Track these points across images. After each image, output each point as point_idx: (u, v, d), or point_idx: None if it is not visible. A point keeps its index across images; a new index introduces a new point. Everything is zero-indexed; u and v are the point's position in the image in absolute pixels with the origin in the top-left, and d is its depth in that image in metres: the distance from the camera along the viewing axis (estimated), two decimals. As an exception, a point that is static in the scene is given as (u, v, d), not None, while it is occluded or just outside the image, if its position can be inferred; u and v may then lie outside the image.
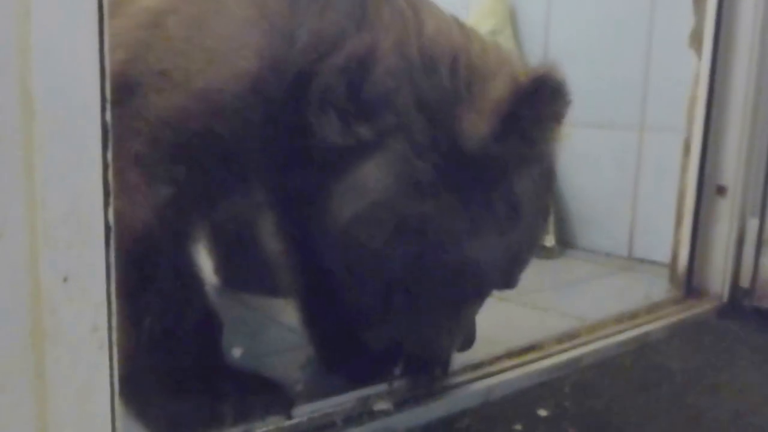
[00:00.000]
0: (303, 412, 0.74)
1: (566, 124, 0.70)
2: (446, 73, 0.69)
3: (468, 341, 0.85)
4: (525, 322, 1.15)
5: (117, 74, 0.69)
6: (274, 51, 0.69)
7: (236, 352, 0.95)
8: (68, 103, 0.52)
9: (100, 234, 0.55)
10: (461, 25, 0.75)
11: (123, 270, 0.70)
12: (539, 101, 0.66)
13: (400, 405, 0.79)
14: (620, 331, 1.07)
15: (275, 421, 0.71)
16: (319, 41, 0.69)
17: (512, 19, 1.79)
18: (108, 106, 0.57)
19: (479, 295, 0.80)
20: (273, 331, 1.09)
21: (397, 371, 0.84)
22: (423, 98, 0.69)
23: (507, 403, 0.84)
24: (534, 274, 1.45)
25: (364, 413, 0.77)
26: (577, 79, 1.62)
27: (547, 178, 0.75)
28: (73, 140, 0.53)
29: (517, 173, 0.70)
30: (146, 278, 0.71)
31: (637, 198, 1.56)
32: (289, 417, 0.73)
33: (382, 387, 0.81)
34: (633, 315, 1.13)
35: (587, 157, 1.66)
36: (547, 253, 1.61)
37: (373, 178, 0.68)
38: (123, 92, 0.70)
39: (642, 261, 1.54)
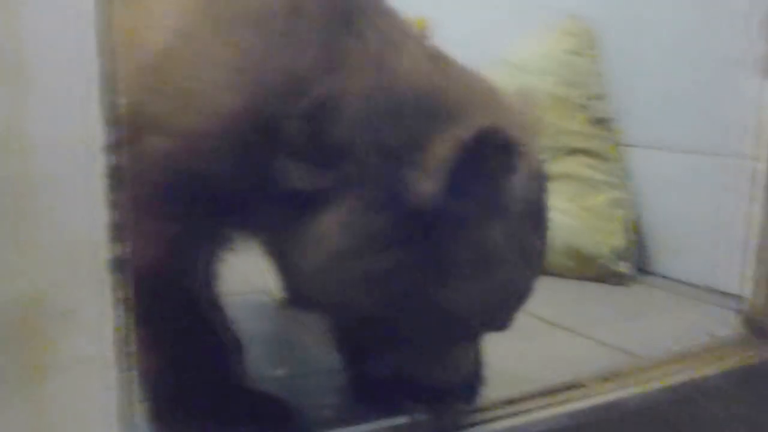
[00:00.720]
0: (314, 442, 0.76)
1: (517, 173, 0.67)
2: (410, 118, 0.67)
3: (469, 377, 0.85)
4: (572, 356, 1.11)
5: (125, 118, 0.75)
6: (248, 93, 0.70)
7: (278, 372, 0.99)
8: (69, 148, 0.57)
9: (101, 271, 0.59)
10: (443, 62, 0.72)
11: (141, 300, 0.75)
12: (483, 157, 0.63)
13: (418, 440, 0.79)
14: (672, 373, 1.00)
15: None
16: (288, 84, 0.69)
17: (596, 38, 1.73)
18: (116, 149, 0.61)
19: (466, 336, 0.79)
20: (320, 352, 1.11)
21: (416, 405, 0.84)
22: (383, 146, 0.67)
23: (530, 445, 0.82)
24: (600, 302, 1.42)
25: (377, 447, 0.77)
26: (657, 103, 1.56)
27: (529, 218, 0.72)
28: (73, 184, 0.56)
29: (477, 225, 0.68)
30: (162, 308, 0.75)
31: (718, 225, 1.46)
32: (298, 445, 0.75)
33: (401, 420, 0.81)
34: (691, 355, 1.06)
35: (667, 183, 1.58)
36: (621, 280, 1.54)
37: (329, 230, 0.68)
38: (131, 135, 0.74)
39: (720, 293, 1.44)
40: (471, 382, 0.87)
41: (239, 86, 0.70)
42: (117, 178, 0.61)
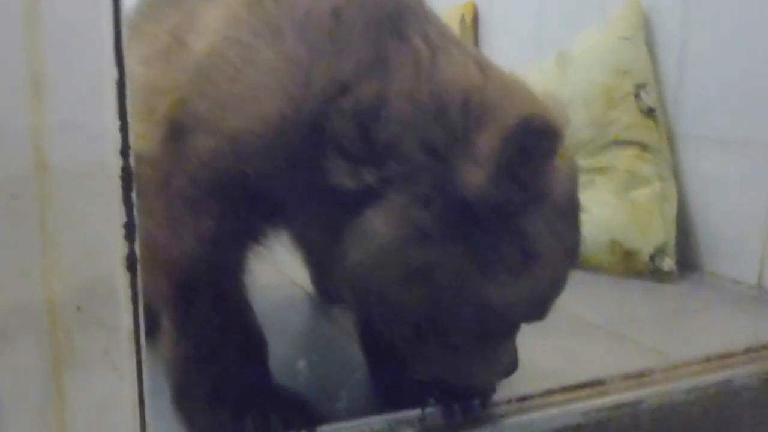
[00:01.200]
0: (327, 431, 0.79)
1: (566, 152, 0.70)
2: (456, 117, 0.69)
3: (509, 369, 0.84)
4: (599, 355, 1.10)
5: (166, 117, 0.79)
6: (294, 95, 0.73)
7: (300, 364, 1.02)
8: (84, 151, 0.61)
9: (116, 270, 0.63)
10: (481, 64, 0.74)
11: (170, 293, 0.80)
12: (527, 142, 0.65)
13: (427, 433, 0.81)
14: (702, 373, 0.98)
15: (296, 439, 0.77)
16: (333, 85, 0.72)
17: (646, 25, 1.69)
18: (130, 152, 0.65)
19: (506, 331, 0.79)
20: (344, 345, 1.14)
21: (434, 399, 0.85)
22: (430, 144, 0.69)
23: (540, 442, 0.83)
24: (639, 300, 1.40)
25: (387, 439, 0.79)
26: (710, 92, 1.51)
27: (566, 210, 0.74)
28: (86, 187, 0.61)
29: (523, 215, 0.69)
30: (190, 302, 0.80)
31: (769, 221, 1.41)
32: (311, 436, 0.78)
33: (414, 413, 0.83)
34: (725, 356, 1.03)
35: (717, 176, 1.53)
36: (664, 278, 1.51)
37: (376, 225, 0.70)
38: (172, 133, 0.79)
39: (768, 292, 1.39)
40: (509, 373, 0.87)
41: (284, 89, 0.73)
42: (130, 179, 0.65)
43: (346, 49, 0.73)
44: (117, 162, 0.63)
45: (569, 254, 0.75)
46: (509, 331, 0.80)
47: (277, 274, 1.36)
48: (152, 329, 0.77)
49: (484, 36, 2.29)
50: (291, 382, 0.89)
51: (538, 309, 0.77)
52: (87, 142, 0.61)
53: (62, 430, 0.62)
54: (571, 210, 0.75)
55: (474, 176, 0.67)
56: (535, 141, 0.65)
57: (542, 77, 1.78)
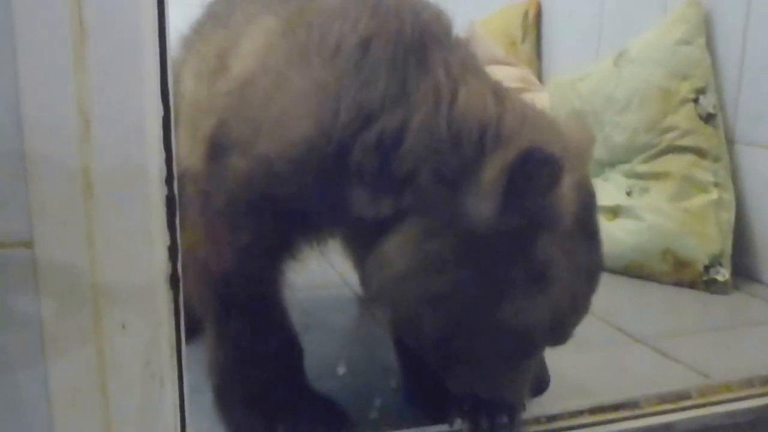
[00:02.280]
0: (355, 442, 0.82)
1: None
2: (470, 149, 0.71)
3: (540, 387, 0.87)
4: (637, 372, 1.09)
5: (208, 137, 0.84)
6: (322, 123, 0.76)
7: (340, 370, 1.06)
8: (129, 182, 0.65)
9: (159, 289, 0.68)
10: (499, 94, 0.75)
11: (210, 303, 0.85)
12: (528, 174, 0.67)
13: (453, 449, 0.83)
14: (740, 399, 0.97)
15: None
16: (358, 115, 0.74)
17: (707, 26, 1.63)
18: (174, 182, 0.70)
19: (529, 353, 0.80)
20: (385, 350, 1.17)
21: (463, 415, 0.87)
22: (443, 176, 0.72)
23: (564, 464, 0.84)
24: (688, 312, 1.37)
25: (413, 452, 0.82)
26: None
27: (580, 234, 0.74)
28: (131, 214, 0.65)
29: (533, 241, 0.71)
30: (228, 311, 0.85)
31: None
32: (340, 444, 0.81)
33: (442, 428, 0.86)
34: (769, 380, 1.01)
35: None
36: (718, 289, 1.47)
37: (391, 256, 0.73)
38: (213, 153, 0.83)
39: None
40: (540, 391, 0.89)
41: (313, 117, 0.76)
42: (174, 206, 0.70)
43: (372, 81, 0.75)
44: (162, 190, 0.68)
45: (587, 278, 0.77)
46: (531, 352, 0.81)
47: (330, 273, 1.40)
48: (196, 332, 0.83)
49: (547, 32, 2.27)
50: (329, 385, 0.93)
51: (558, 332, 0.78)
52: (133, 172, 0.65)
53: (108, 427, 0.68)
54: (586, 234, 0.76)
55: (481, 208, 0.69)
56: (535, 172, 0.67)
57: (599, 78, 1.75)
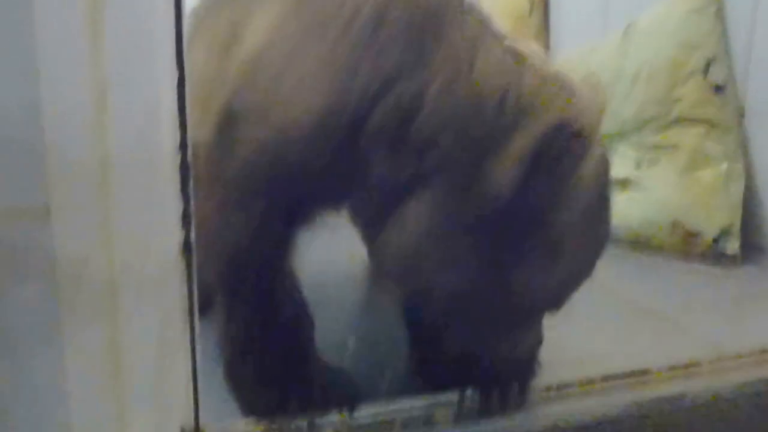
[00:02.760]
0: (366, 412, 0.82)
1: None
2: (491, 113, 0.71)
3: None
4: (648, 342, 1.09)
5: (222, 107, 0.83)
6: (338, 91, 0.76)
7: (350, 343, 1.06)
8: (144, 151, 0.65)
9: (172, 258, 0.68)
10: (519, 57, 0.74)
11: (223, 274, 0.85)
12: (558, 147, 0.67)
13: (463, 418, 0.84)
14: (753, 368, 0.97)
15: (336, 417, 0.81)
16: (375, 82, 0.74)
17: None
18: (188, 147, 0.69)
19: (530, 319, 0.82)
20: (394, 323, 1.17)
21: (472, 384, 0.88)
22: (467, 140, 0.71)
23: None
24: (698, 284, 1.37)
25: (423, 421, 0.83)
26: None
27: (595, 204, 0.75)
28: (146, 182, 0.65)
29: (553, 211, 0.71)
30: (241, 282, 0.85)
31: None
32: (351, 415, 0.82)
33: (452, 397, 0.86)
34: (781, 350, 1.01)
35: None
36: (727, 261, 1.46)
37: (413, 217, 0.74)
38: (225, 123, 0.83)
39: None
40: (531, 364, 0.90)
41: (328, 85, 0.77)
42: (187, 172, 0.69)
43: (389, 48, 0.75)
44: (175, 156, 0.68)
45: (598, 246, 0.77)
46: (531, 318, 0.83)
47: (337, 248, 1.40)
48: (207, 306, 0.83)
49: (554, 8, 2.24)
50: (339, 357, 0.94)
51: (562, 298, 0.80)
52: (148, 137, 0.65)
53: (122, 401, 0.69)
54: (600, 203, 0.76)
55: (505, 175, 0.69)
56: (566, 146, 0.68)
57: (608, 51, 1.73)
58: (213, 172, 0.83)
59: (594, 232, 0.77)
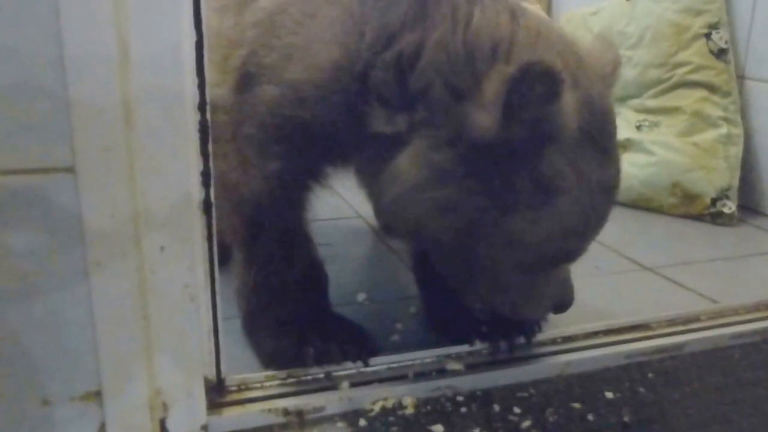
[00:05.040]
0: (380, 362, 0.86)
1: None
2: (484, 63, 0.72)
3: (562, 305, 0.87)
4: (649, 298, 1.13)
5: (238, 68, 0.85)
6: (348, 46, 0.78)
7: (360, 297, 1.10)
8: (166, 108, 0.67)
9: (194, 212, 0.70)
10: (515, 13, 0.76)
11: (240, 228, 0.88)
12: (527, 87, 0.67)
13: (473, 367, 0.87)
14: (747, 321, 1.00)
15: (353, 367, 0.85)
16: (380, 37, 0.77)
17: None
18: (207, 108, 0.71)
19: (546, 265, 0.81)
20: (403, 278, 1.20)
21: (481, 335, 0.91)
22: (455, 88, 0.73)
23: (579, 380, 0.87)
24: (696, 243, 1.40)
25: (435, 371, 0.86)
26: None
27: (592, 145, 0.74)
28: (168, 139, 0.67)
29: (537, 153, 0.72)
30: (257, 236, 0.88)
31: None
32: (366, 365, 0.85)
33: (462, 349, 0.90)
34: (773, 304, 1.05)
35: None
36: (725, 221, 1.50)
37: (403, 167, 0.76)
38: (242, 83, 0.85)
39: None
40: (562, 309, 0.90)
41: (339, 40, 0.79)
42: (207, 132, 0.71)
43: (395, 5, 0.77)
44: (195, 116, 0.69)
45: (599, 192, 0.76)
46: (545, 266, 0.82)
47: (345, 207, 1.42)
48: (226, 260, 0.86)
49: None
50: (351, 313, 0.97)
51: (570, 247, 0.79)
52: (168, 98, 0.67)
53: (148, 352, 0.71)
54: (598, 149, 0.76)
55: (483, 118, 0.70)
56: (534, 84, 0.67)
57: (612, 14, 1.74)
58: (233, 129, 0.86)
59: (591, 176, 0.75)
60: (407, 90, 0.76)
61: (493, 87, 0.70)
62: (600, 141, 0.76)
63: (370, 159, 0.81)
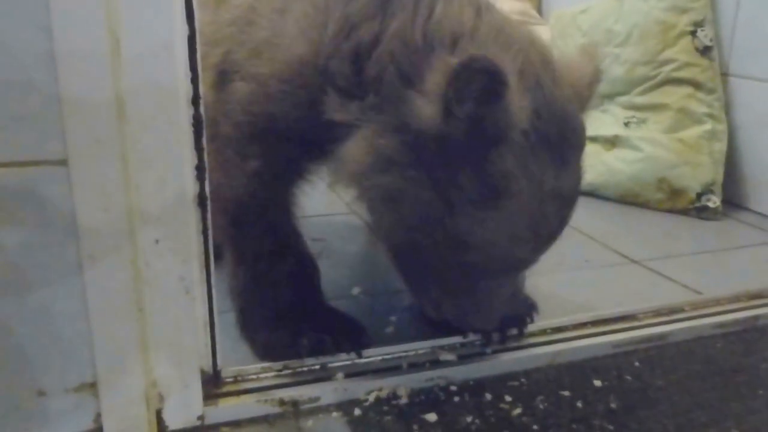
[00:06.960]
0: (375, 353, 0.87)
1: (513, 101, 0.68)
2: (430, 56, 0.72)
3: (523, 320, 0.92)
4: (635, 290, 1.15)
5: (215, 66, 0.87)
6: (313, 39, 0.79)
7: (355, 290, 1.11)
8: (159, 102, 0.67)
9: (188, 206, 0.71)
10: (480, 9, 0.76)
11: (227, 228, 0.88)
12: (466, 82, 0.67)
13: (466, 358, 0.89)
14: (729, 311, 1.03)
15: (347, 358, 0.86)
16: (342, 29, 0.77)
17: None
18: (200, 101, 0.72)
19: (491, 273, 0.79)
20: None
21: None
22: (406, 77, 0.73)
23: (568, 369, 0.89)
24: (681, 237, 1.43)
25: (428, 361, 0.87)
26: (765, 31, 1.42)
27: (548, 150, 0.72)
28: (162, 133, 0.67)
29: (484, 152, 0.70)
30: (244, 235, 0.89)
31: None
32: (360, 357, 0.87)
33: (454, 340, 0.91)
34: (756, 295, 1.07)
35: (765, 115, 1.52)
36: (710, 215, 1.53)
37: (351, 154, 0.75)
38: (218, 81, 0.86)
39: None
40: (518, 313, 0.93)
41: (304, 35, 0.80)
42: (200, 126, 0.72)
43: None
44: (188, 110, 0.70)
45: (552, 201, 0.74)
46: (496, 271, 0.79)
47: (339, 203, 1.43)
48: (219, 258, 0.86)
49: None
50: (346, 306, 0.98)
51: (520, 254, 0.76)
52: (161, 92, 0.67)
53: (144, 342, 0.72)
54: (554, 157, 0.73)
55: (424, 108, 0.70)
56: (473, 81, 0.67)
57: (600, 13, 1.76)
58: (211, 129, 0.86)
59: (544, 183, 0.72)
60: (362, 78, 0.77)
61: (435, 78, 0.70)
62: (558, 149, 0.73)
63: (329, 150, 0.80)
